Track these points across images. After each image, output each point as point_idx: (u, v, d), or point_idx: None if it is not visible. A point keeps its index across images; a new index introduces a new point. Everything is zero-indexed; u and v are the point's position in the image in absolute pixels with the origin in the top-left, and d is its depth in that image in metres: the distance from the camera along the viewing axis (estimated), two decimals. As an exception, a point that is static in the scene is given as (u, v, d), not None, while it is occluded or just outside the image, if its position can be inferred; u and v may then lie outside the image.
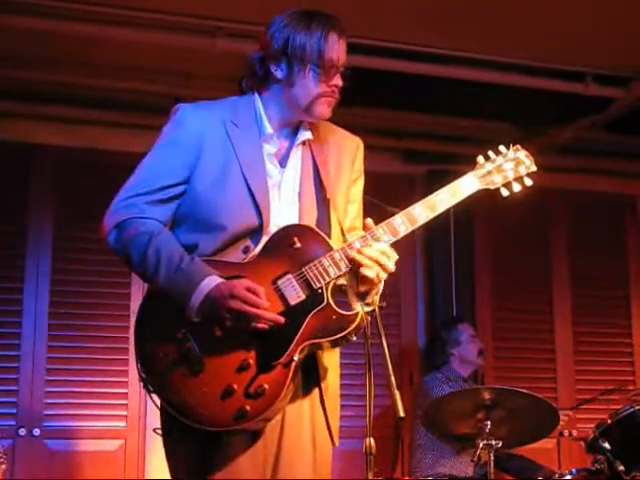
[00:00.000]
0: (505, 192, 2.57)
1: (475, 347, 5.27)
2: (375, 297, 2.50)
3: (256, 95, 2.56)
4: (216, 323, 2.31)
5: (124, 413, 5.11)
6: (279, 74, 2.49)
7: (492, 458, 3.85)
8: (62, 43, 4.54)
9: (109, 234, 2.44)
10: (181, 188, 2.47)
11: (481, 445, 3.83)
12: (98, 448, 5.07)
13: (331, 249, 2.40)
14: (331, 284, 2.39)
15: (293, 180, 2.53)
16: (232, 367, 2.31)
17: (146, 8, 4.35)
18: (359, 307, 2.40)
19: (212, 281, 2.31)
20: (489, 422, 3.85)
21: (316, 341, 2.36)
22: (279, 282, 2.37)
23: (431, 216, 2.47)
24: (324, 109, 2.50)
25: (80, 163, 5.27)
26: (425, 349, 5.71)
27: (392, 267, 2.43)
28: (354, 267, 2.39)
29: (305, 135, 2.56)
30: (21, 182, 5.20)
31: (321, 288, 2.37)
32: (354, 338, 2.40)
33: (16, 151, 5.21)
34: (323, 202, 2.52)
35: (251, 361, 2.32)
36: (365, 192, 2.71)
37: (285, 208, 2.49)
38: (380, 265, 2.39)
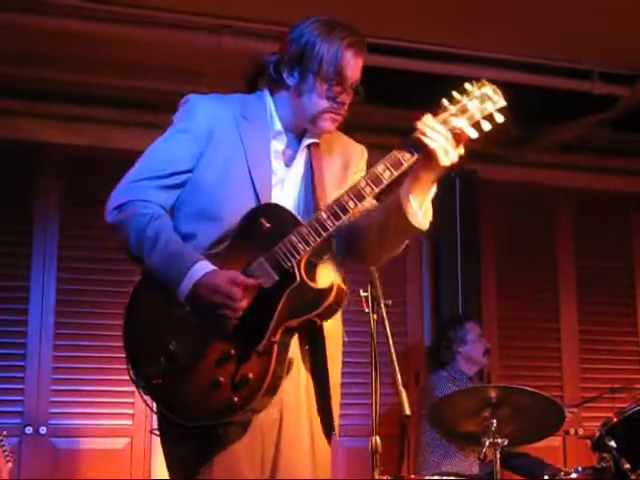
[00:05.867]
0: (474, 133, 2.35)
1: (481, 346, 5.27)
2: (429, 205, 2.40)
3: (267, 93, 2.56)
4: (203, 313, 2.31)
5: (130, 411, 5.11)
6: (290, 81, 2.48)
7: (498, 456, 3.84)
8: (68, 41, 4.54)
9: (109, 213, 2.44)
10: (187, 176, 2.47)
11: (487, 443, 3.82)
12: (104, 446, 5.08)
13: (300, 224, 2.36)
14: (303, 260, 2.35)
15: (296, 180, 2.53)
16: (216, 360, 2.30)
17: (152, 6, 4.36)
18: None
19: (201, 268, 2.30)
20: (495, 420, 3.85)
21: (296, 320, 2.33)
22: (251, 267, 2.34)
23: (395, 174, 2.35)
24: (327, 124, 2.48)
25: (86, 161, 5.27)
26: (431, 347, 5.72)
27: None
28: (418, 141, 2.34)
29: (311, 140, 2.55)
30: (26, 180, 5.20)
31: (292, 267, 2.33)
32: (340, 308, 2.38)
33: (21, 149, 5.21)
34: (315, 207, 2.46)
35: (232, 351, 2.30)
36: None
37: (286, 206, 2.46)
38: (445, 138, 2.32)
